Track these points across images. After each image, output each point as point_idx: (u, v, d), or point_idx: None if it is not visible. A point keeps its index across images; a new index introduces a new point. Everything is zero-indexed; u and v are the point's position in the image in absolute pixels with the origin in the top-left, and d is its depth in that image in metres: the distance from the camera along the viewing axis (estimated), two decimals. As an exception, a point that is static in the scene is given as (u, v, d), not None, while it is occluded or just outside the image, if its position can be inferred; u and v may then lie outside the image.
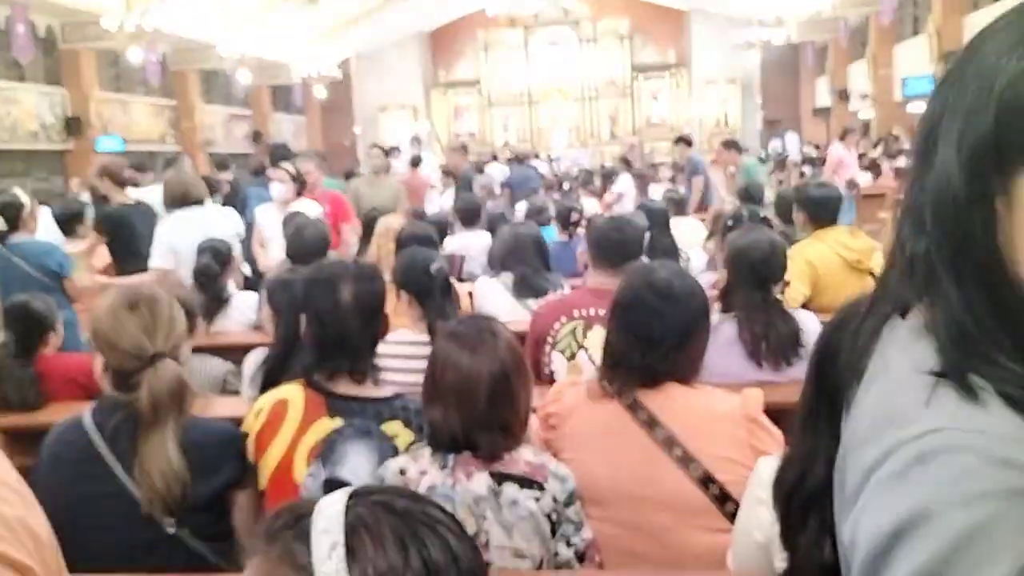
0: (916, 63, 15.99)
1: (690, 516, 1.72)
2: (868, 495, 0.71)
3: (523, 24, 22.62)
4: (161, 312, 1.77)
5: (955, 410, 0.68)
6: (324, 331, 1.85)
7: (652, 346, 1.77)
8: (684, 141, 10.07)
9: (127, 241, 4.87)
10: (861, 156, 12.49)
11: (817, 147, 17.56)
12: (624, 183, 9.75)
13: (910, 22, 17.85)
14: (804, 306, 3.37)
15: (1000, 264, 0.71)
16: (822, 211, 3.71)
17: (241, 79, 19.43)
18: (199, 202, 4.63)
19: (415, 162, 10.66)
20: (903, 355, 0.76)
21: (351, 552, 0.67)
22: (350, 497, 0.71)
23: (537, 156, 19.02)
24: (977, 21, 14.46)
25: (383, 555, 0.68)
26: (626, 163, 11.49)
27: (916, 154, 0.78)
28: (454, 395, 1.61)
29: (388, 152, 12.75)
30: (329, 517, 0.69)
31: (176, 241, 4.35)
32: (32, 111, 14.54)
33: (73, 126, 15.21)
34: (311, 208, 5.15)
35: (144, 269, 4.51)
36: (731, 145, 9.31)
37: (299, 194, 5.35)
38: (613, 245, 2.74)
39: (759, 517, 1.35)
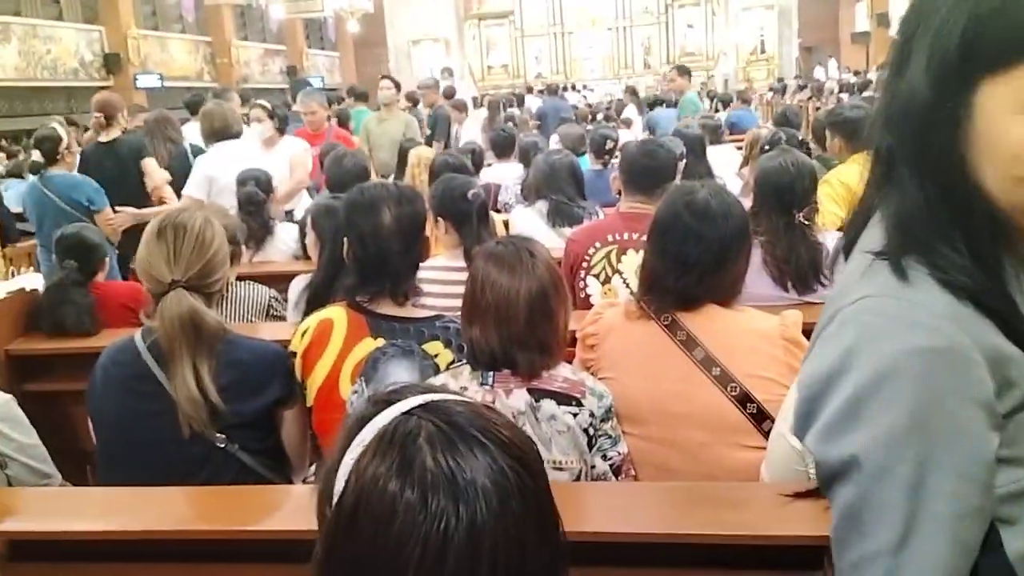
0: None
1: (727, 433, 1.74)
2: (813, 349, 0.90)
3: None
4: (186, 240, 1.76)
5: (883, 282, 0.83)
6: (366, 253, 1.89)
7: (688, 269, 1.78)
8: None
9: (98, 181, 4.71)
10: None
11: (856, 73, 17.03)
12: (631, 111, 9.81)
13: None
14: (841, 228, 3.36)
15: (959, 167, 0.81)
16: (857, 133, 3.63)
17: (274, 14, 19.29)
18: (238, 135, 4.67)
19: (448, 94, 10.56)
20: (861, 242, 0.91)
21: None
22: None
23: (570, 88, 18.75)
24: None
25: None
26: (632, 93, 11.51)
27: (891, 64, 0.87)
28: (493, 314, 1.65)
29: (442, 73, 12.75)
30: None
31: (217, 172, 4.40)
32: (71, 49, 14.65)
33: (112, 63, 15.32)
34: (293, 145, 5.04)
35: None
36: (683, 71, 9.12)
37: (281, 132, 5.19)
38: (644, 170, 2.73)
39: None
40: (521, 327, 1.65)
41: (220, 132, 4.57)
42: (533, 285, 1.66)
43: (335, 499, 0.67)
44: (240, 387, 1.77)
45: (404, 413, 0.69)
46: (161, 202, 4.84)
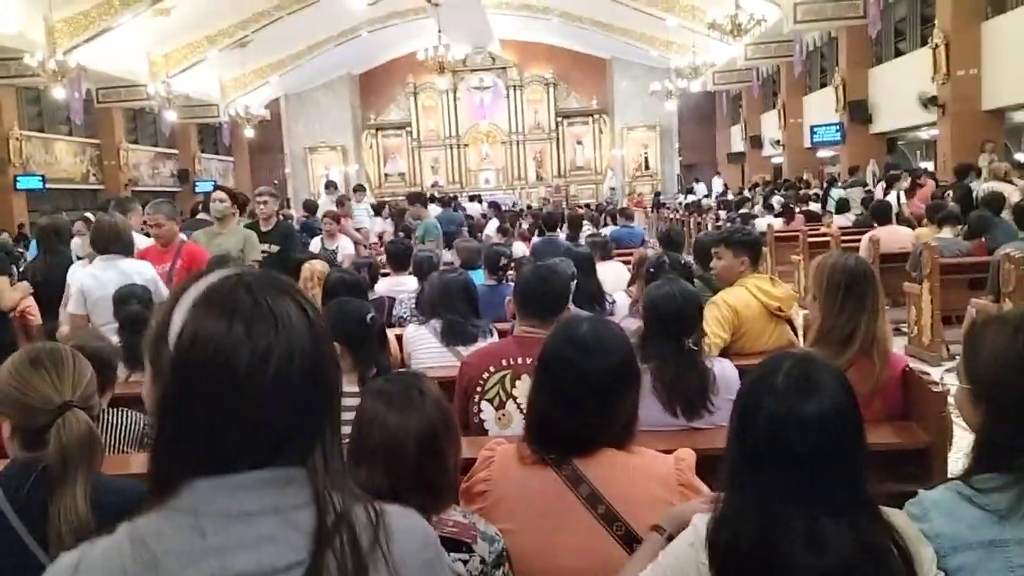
0: (824, 112, 16.81)
1: None
2: None
3: (451, 69, 22.93)
4: (66, 364, 1.73)
5: None
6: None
7: (572, 407, 1.72)
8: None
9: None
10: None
11: (724, 192, 18.15)
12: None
13: (817, 74, 18.80)
14: (724, 351, 3.48)
15: None
16: (759, 254, 3.80)
17: (168, 117, 19.11)
18: (122, 251, 4.46)
19: (340, 202, 10.59)
20: None
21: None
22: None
23: (466, 198, 19.27)
24: (880, 74, 15.32)
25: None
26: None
27: None
28: (381, 455, 1.60)
29: (327, 187, 12.75)
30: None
31: (92, 288, 4.20)
32: (-52, 149, 14.04)
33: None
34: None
35: None
36: (416, 199, 9.00)
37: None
38: (538, 295, 2.77)
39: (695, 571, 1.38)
40: (411, 469, 1.60)
41: (107, 245, 4.38)
42: (423, 425, 1.62)
43: (172, 339, 0.87)
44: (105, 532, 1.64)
45: (225, 275, 0.90)
46: (24, 317, 4.59)
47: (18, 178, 15.24)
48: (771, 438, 1.35)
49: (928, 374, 2.58)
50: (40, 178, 15.77)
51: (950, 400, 2.15)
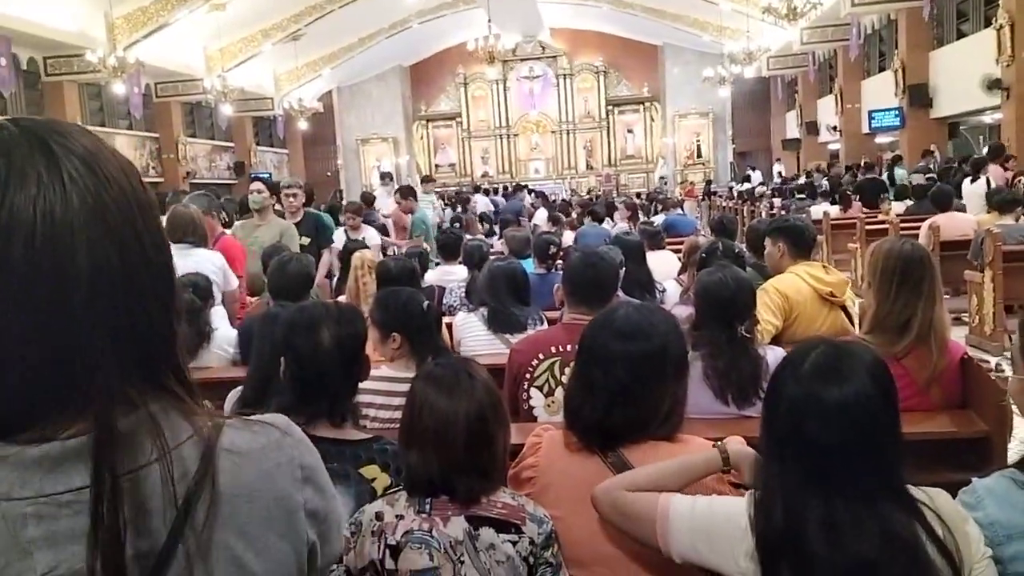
0: (882, 97, 16.37)
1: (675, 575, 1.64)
2: None
3: (501, 59, 22.93)
4: None
5: None
6: (304, 373, 1.86)
7: (613, 394, 1.69)
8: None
9: None
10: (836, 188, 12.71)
11: (787, 180, 17.83)
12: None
13: (876, 58, 18.30)
14: (777, 338, 3.44)
15: None
16: (801, 239, 3.70)
17: (224, 111, 19.51)
18: (196, 242, 4.58)
19: (406, 194, 10.49)
20: None
21: None
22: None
23: (524, 187, 19.42)
24: (941, 57, 14.86)
25: None
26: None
27: None
28: (431, 438, 1.62)
29: (383, 178, 12.72)
30: None
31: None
32: (13, 144, 14.52)
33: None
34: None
35: None
36: (408, 192, 8.65)
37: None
38: (586, 282, 2.77)
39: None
40: (460, 451, 1.62)
41: (182, 234, 4.50)
42: (472, 408, 1.64)
43: None
44: None
45: None
46: None
47: (82, 171, 15.72)
48: (792, 424, 1.35)
49: (987, 362, 2.52)
50: (103, 171, 16.24)
51: (1010, 388, 2.10)
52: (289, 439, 0.81)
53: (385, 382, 2.50)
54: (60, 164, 0.69)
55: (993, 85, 12.16)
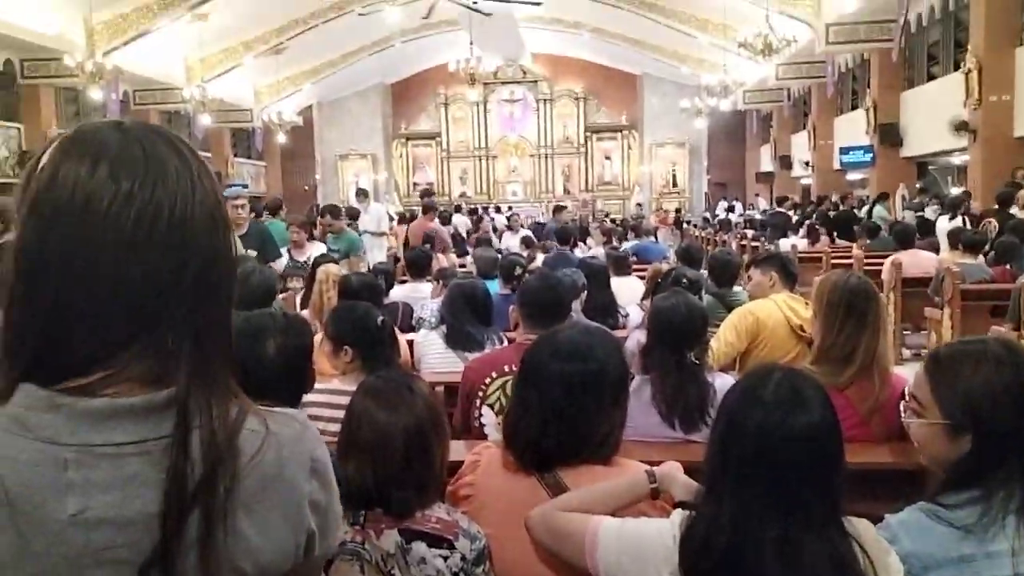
0: (854, 134, 16.68)
1: None
2: None
3: (483, 81, 23.08)
4: None
5: None
6: (247, 383, 1.85)
7: (548, 415, 1.69)
8: (335, 211, 8.14)
9: None
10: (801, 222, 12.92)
11: (764, 211, 18.05)
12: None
13: (849, 96, 18.67)
14: (742, 360, 3.52)
15: None
16: (789, 272, 3.80)
17: (202, 121, 19.42)
18: None
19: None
20: None
21: None
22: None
23: (498, 209, 19.55)
24: (912, 98, 15.19)
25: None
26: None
27: None
28: (369, 451, 1.64)
29: (358, 195, 12.67)
30: None
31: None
32: (-15, 144, 14.37)
33: (27, 161, 15.03)
34: None
35: None
36: (335, 212, 8.18)
37: None
38: (540, 304, 2.81)
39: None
40: (398, 465, 1.63)
41: None
42: (411, 422, 1.66)
43: (34, 178, 0.80)
44: None
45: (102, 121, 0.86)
46: None
47: (54, 175, 15.55)
48: (758, 449, 1.37)
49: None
50: (76, 176, 16.08)
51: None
52: (308, 432, 0.90)
53: (334, 395, 2.51)
54: (189, 164, 0.83)
55: (961, 127, 12.43)
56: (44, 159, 0.80)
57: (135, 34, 14.46)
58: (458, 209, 16.80)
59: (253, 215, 6.22)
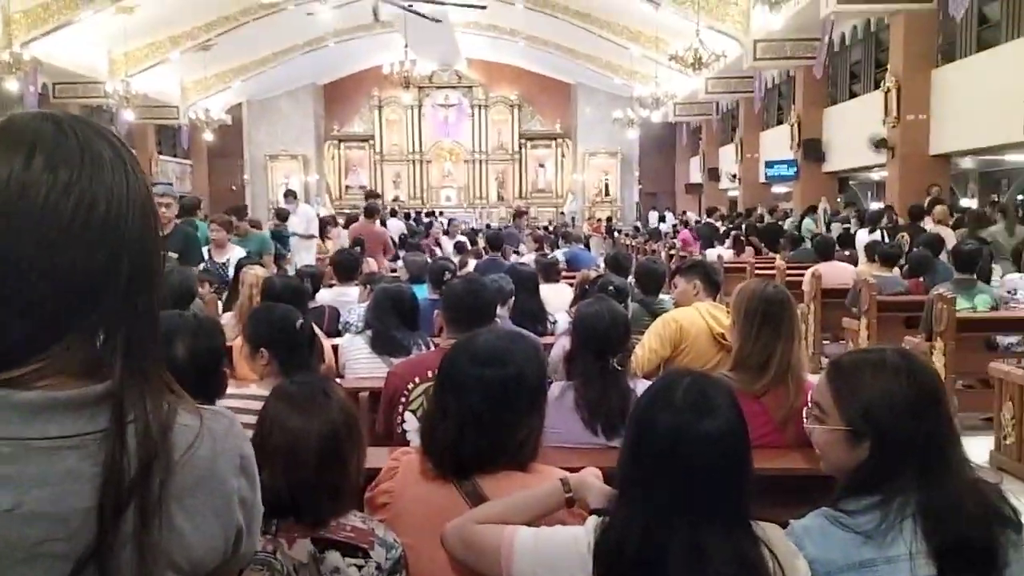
0: (779, 148, 17.18)
1: None
2: None
3: (417, 85, 22.97)
4: None
5: None
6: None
7: (465, 421, 1.67)
8: (242, 212, 8.38)
9: None
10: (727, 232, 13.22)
11: (686, 222, 18.38)
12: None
13: (775, 111, 19.23)
14: (664, 366, 3.57)
15: None
16: (713, 281, 3.87)
17: (125, 117, 18.80)
18: None
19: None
20: None
21: None
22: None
23: (431, 214, 19.45)
24: (834, 114, 15.72)
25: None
26: None
27: None
28: (281, 457, 1.59)
29: (286, 196, 12.37)
30: None
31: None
32: None
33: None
34: None
35: None
36: (234, 212, 8.11)
37: None
38: (464, 308, 2.79)
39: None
40: (311, 472, 1.59)
41: None
42: (325, 428, 1.62)
43: None
44: None
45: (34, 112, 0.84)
46: None
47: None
48: (668, 453, 1.38)
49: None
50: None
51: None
52: (236, 428, 0.89)
53: (250, 400, 2.44)
54: (123, 156, 0.83)
55: (880, 144, 12.91)
56: None
57: (56, 24, 13.95)
58: (393, 213, 16.67)
59: (177, 219, 5.94)
